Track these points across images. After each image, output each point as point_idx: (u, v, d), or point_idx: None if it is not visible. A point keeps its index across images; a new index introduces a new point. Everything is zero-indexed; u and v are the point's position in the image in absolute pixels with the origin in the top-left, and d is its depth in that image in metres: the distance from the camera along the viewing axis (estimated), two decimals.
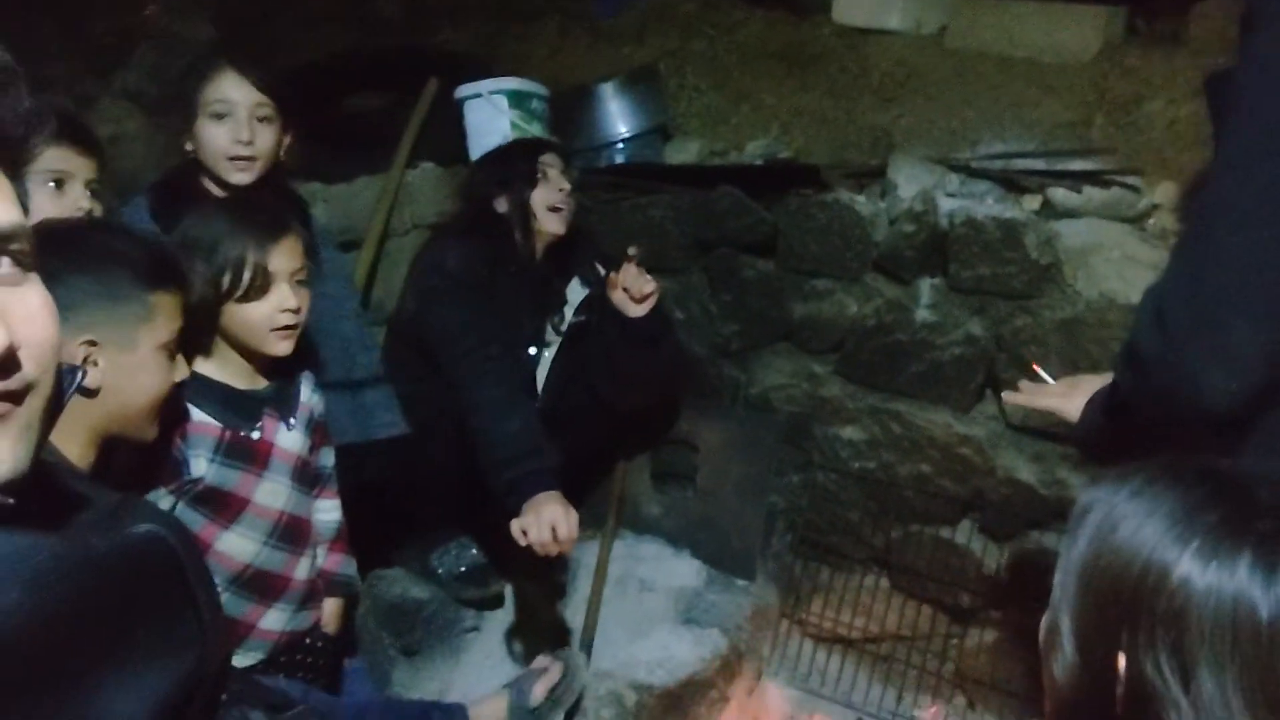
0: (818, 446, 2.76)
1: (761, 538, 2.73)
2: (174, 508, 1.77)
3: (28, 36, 3.81)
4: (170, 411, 1.72)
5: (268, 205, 1.93)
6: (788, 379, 2.82)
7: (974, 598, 2.58)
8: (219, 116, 2.03)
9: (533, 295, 2.59)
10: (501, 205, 2.58)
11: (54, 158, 1.84)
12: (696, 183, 2.90)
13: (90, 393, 1.42)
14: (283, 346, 1.81)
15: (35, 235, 0.85)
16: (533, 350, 2.62)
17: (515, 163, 2.60)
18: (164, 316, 1.50)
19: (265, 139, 2.07)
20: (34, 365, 0.81)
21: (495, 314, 2.46)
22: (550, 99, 3.34)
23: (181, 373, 1.56)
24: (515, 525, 2.02)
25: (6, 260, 0.81)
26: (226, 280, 1.75)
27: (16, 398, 0.80)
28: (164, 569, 0.98)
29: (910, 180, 2.70)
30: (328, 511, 2.04)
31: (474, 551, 2.58)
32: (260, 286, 1.77)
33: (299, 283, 1.82)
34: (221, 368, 1.83)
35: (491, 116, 3.19)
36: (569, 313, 2.67)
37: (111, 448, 1.51)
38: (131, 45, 3.95)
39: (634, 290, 2.40)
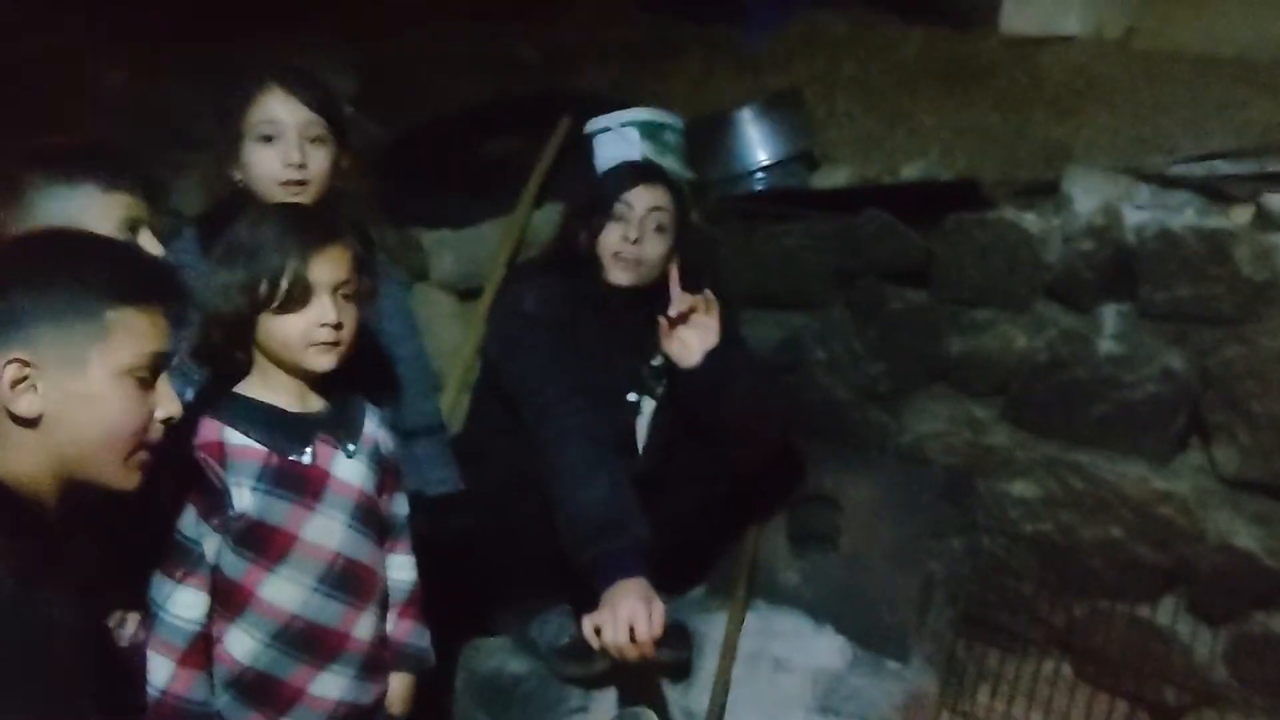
0: (983, 505, 2.38)
1: (916, 612, 2.35)
2: (219, 550, 1.56)
3: (183, 96, 3.88)
4: (184, 450, 1.53)
5: (317, 212, 1.73)
6: (945, 426, 2.46)
7: (1181, 693, 2.15)
8: (267, 139, 1.86)
9: (628, 334, 2.31)
10: (583, 240, 2.31)
11: (125, 205, 1.74)
12: (839, 207, 2.59)
13: (28, 421, 1.22)
14: (322, 361, 1.60)
15: None
16: (632, 396, 2.33)
17: (601, 195, 2.33)
18: (126, 337, 1.27)
19: (318, 161, 1.89)
20: None
21: (581, 359, 2.20)
22: (686, 130, 3.13)
23: (167, 409, 1.33)
24: (588, 623, 1.82)
25: None
26: (263, 289, 1.55)
27: None
28: None
29: (1089, 193, 2.31)
30: (400, 569, 1.79)
31: (579, 622, 2.28)
32: (299, 297, 1.56)
33: (344, 297, 1.61)
34: (266, 387, 1.63)
35: (623, 151, 3.00)
36: None
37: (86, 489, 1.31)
38: None
39: (674, 306, 2.14)
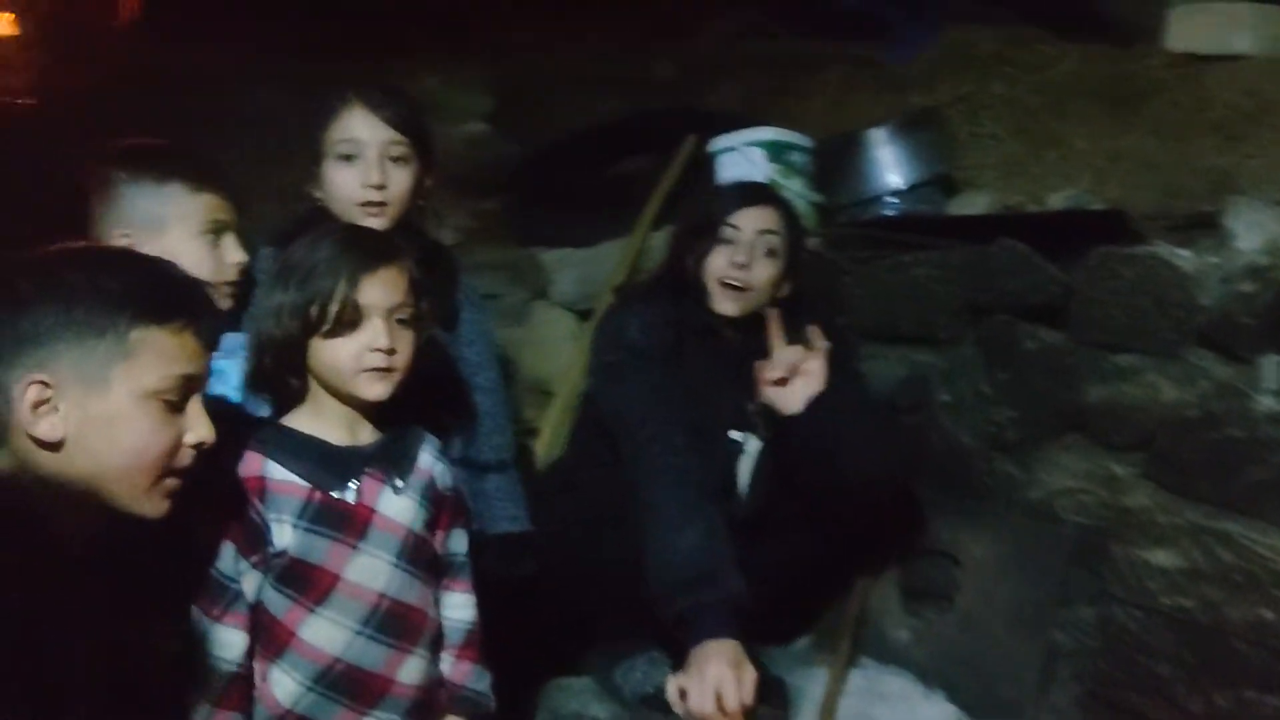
0: (1117, 572, 2.12)
1: (1037, 685, 2.13)
2: (260, 586, 1.51)
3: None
4: (224, 481, 1.47)
5: (374, 234, 1.66)
6: (1079, 482, 2.22)
7: None
8: (347, 158, 1.81)
9: (735, 367, 2.16)
10: (690, 266, 2.19)
11: (212, 207, 1.71)
12: (973, 236, 2.40)
13: (50, 445, 1.17)
14: (374, 389, 1.52)
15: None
16: (735, 435, 2.19)
17: (708, 217, 2.20)
18: (152, 357, 1.21)
19: (399, 182, 1.83)
20: None
21: (683, 393, 2.08)
22: (815, 151, 2.99)
23: (197, 434, 1.27)
24: (672, 684, 1.72)
25: None
26: (314, 312, 1.49)
27: None
28: None
29: (1253, 229, 2.07)
30: (458, 609, 1.69)
31: (667, 669, 2.15)
32: (349, 320, 1.49)
33: (400, 321, 1.54)
34: (316, 418, 1.56)
35: (746, 172, 2.88)
36: None
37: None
38: None
39: (774, 365, 2.02)
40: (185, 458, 1.27)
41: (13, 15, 6.45)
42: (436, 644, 1.65)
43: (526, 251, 3.46)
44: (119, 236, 1.67)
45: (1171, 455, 2.07)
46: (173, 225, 1.68)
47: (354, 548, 1.52)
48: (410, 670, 1.57)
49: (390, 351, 1.51)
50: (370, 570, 1.53)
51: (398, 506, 1.57)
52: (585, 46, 4.14)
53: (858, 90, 3.47)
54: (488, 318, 2.09)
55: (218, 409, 1.66)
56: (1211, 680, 1.99)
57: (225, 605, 1.48)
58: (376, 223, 1.80)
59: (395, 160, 1.82)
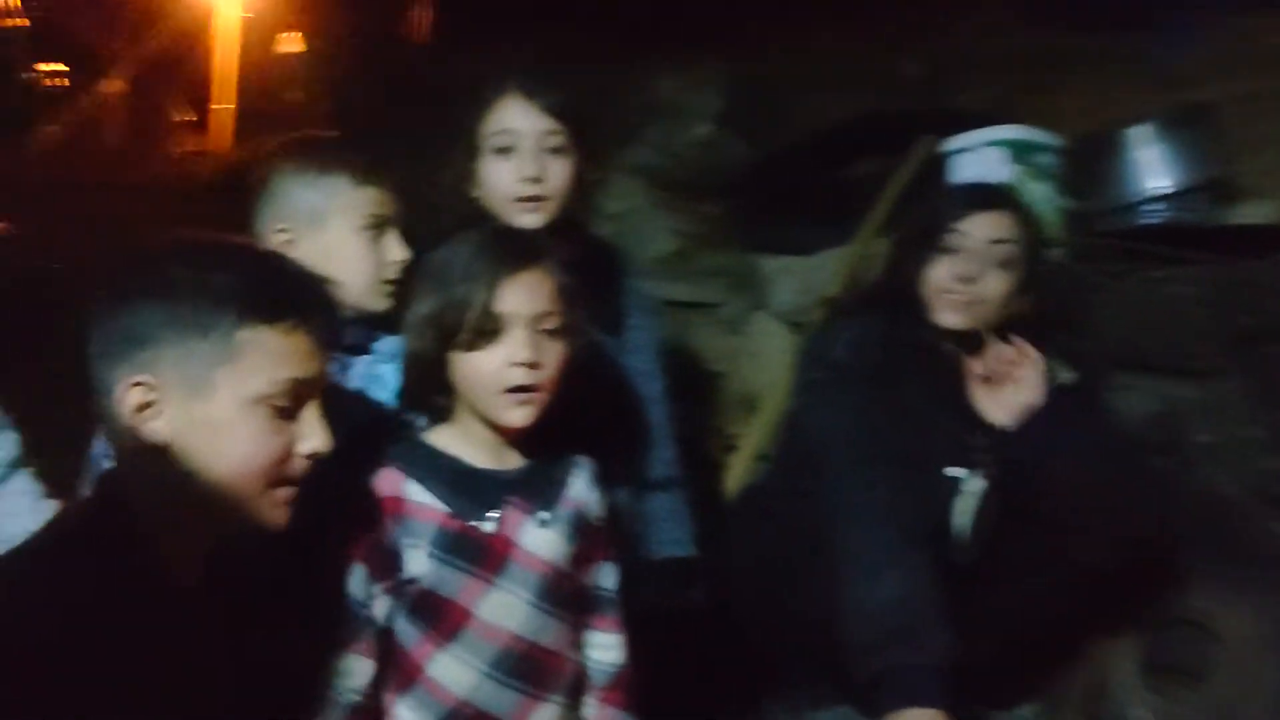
0: None
1: None
2: (390, 614, 1.39)
3: None
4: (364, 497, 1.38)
5: (517, 233, 1.54)
6: None
7: None
8: (503, 151, 1.70)
9: (956, 395, 1.92)
10: (910, 277, 1.96)
11: (374, 201, 1.65)
12: (1244, 250, 2.06)
13: (156, 449, 1.10)
14: (515, 415, 1.38)
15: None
16: (954, 472, 1.92)
17: (933, 222, 1.95)
18: (259, 359, 1.12)
19: (557, 174, 1.70)
20: None
21: (895, 421, 1.86)
22: (1066, 151, 2.68)
23: (311, 443, 1.17)
24: None
25: None
26: (449, 322, 1.37)
27: None
28: None
29: None
30: (605, 649, 1.52)
31: None
32: (488, 331, 1.36)
33: (546, 332, 1.39)
34: (461, 438, 1.43)
35: (983, 174, 2.61)
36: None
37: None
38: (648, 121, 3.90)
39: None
40: (298, 467, 1.18)
41: (300, 33, 6.94)
42: (577, 689, 1.50)
43: (748, 258, 3.32)
44: (277, 232, 1.62)
45: None
46: (333, 219, 1.62)
47: (490, 583, 1.39)
48: (543, 718, 1.43)
49: (533, 365, 1.37)
50: (505, 609, 1.39)
51: (541, 540, 1.42)
52: (827, 44, 3.94)
53: (1120, 87, 3.14)
54: (657, 323, 1.93)
55: (369, 416, 1.62)
56: None
57: (352, 632, 1.37)
58: (534, 219, 1.69)
59: (553, 151, 1.70)
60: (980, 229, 1.90)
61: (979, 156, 2.70)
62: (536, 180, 1.68)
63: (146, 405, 1.10)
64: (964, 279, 1.87)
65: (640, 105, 3.96)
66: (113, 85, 6.74)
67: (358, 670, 1.37)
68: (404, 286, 1.69)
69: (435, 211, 1.75)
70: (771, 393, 2.70)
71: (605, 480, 1.55)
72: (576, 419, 1.48)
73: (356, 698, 1.37)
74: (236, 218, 1.64)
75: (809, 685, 2.03)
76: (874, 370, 1.89)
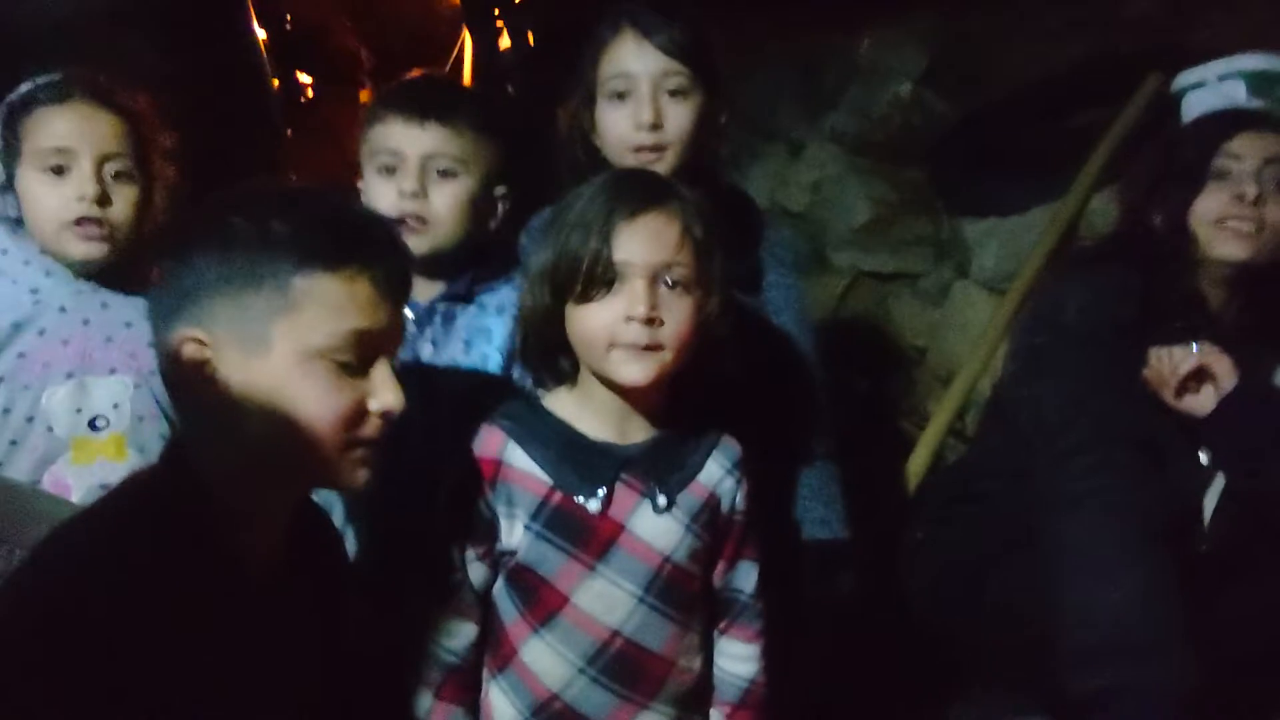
0: None
1: None
2: (487, 583, 1.29)
3: (764, 87, 3.77)
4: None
5: (643, 175, 1.38)
6: None
7: None
8: (619, 95, 1.55)
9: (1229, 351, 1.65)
10: (1156, 219, 1.72)
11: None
12: None
13: (217, 413, 1.04)
14: (630, 371, 1.22)
15: None
16: (1204, 456, 1.66)
17: (1191, 153, 1.72)
18: (318, 310, 1.03)
19: (678, 118, 1.54)
20: None
21: (1138, 393, 1.62)
22: None
23: (383, 400, 1.07)
24: None
25: None
26: (563, 271, 1.24)
27: None
28: None
29: None
30: (736, 661, 1.36)
31: None
32: (602, 280, 1.22)
33: (671, 284, 1.23)
34: (580, 404, 1.30)
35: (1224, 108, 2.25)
36: None
37: None
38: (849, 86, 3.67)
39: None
40: (372, 427, 1.08)
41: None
42: (693, 702, 1.34)
43: (952, 224, 3.04)
44: (376, 172, 1.57)
45: None
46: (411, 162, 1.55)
47: (590, 568, 1.25)
48: None
49: (652, 321, 1.22)
50: (606, 599, 1.25)
51: (656, 528, 1.27)
52: None
53: None
54: (799, 280, 1.73)
55: (472, 378, 1.52)
56: None
57: (451, 592, 1.28)
58: (655, 168, 1.53)
59: (673, 94, 1.54)
60: (1253, 148, 1.70)
61: (1212, 91, 2.34)
62: (655, 126, 1.53)
63: (202, 362, 1.03)
64: (1248, 201, 1.65)
65: (838, 68, 3.73)
66: (361, 94, 6.99)
67: (458, 631, 1.28)
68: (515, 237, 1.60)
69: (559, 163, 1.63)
70: (969, 363, 2.43)
71: (759, 464, 1.38)
72: (723, 391, 1.32)
73: (455, 659, 1.27)
74: None
75: (1003, 692, 1.79)
76: (1118, 332, 1.65)
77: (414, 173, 1.53)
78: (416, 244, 1.45)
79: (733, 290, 1.36)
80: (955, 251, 2.98)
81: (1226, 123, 1.77)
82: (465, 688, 1.29)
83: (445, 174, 1.55)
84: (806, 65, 3.90)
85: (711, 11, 1.56)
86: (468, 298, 1.58)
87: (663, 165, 1.54)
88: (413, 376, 1.29)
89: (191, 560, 1.03)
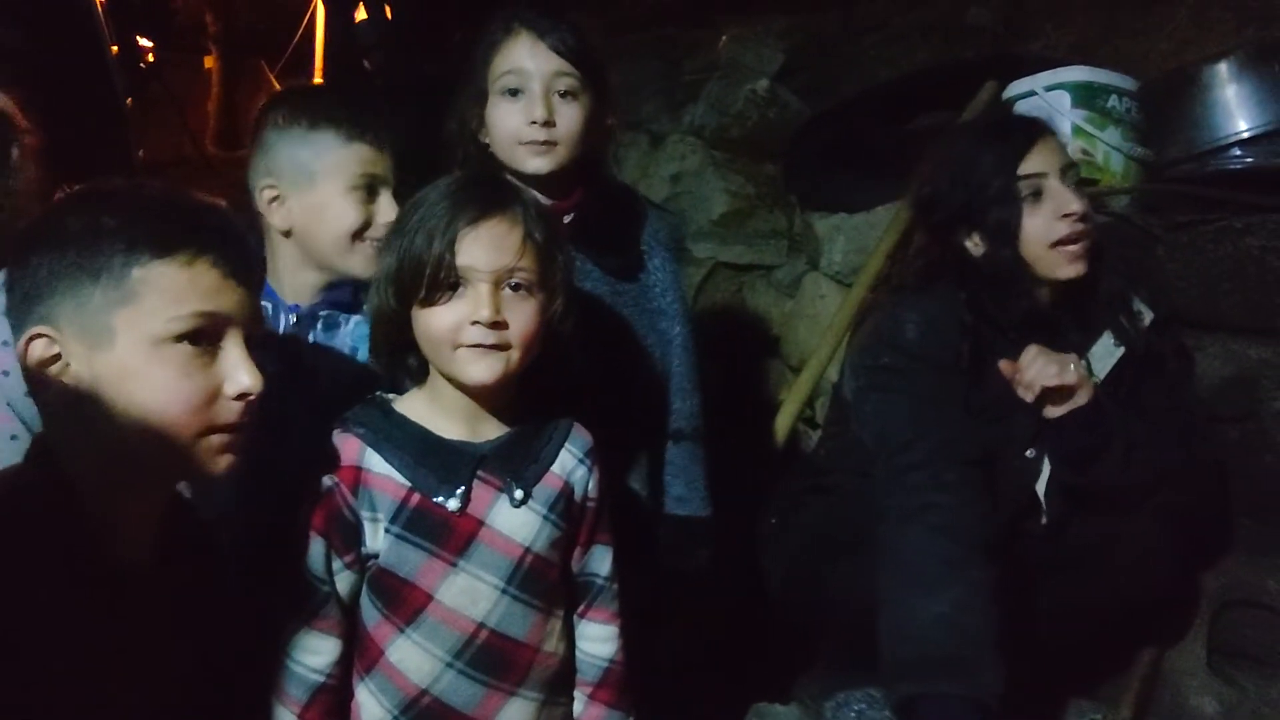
0: None
1: None
2: (354, 591, 1.30)
3: (624, 77, 3.80)
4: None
5: (488, 180, 1.39)
6: None
7: None
8: (511, 92, 1.60)
9: None
10: (975, 246, 1.78)
11: (365, 160, 1.56)
12: None
13: (67, 409, 1.05)
14: (475, 370, 1.25)
15: None
16: (1031, 453, 1.77)
17: (990, 177, 1.74)
18: (158, 297, 1.04)
19: (568, 118, 1.60)
20: None
21: (970, 410, 1.70)
22: (1137, 93, 2.46)
23: (238, 383, 1.08)
24: None
25: None
26: (407, 276, 1.26)
27: None
28: None
29: None
30: (596, 642, 1.41)
31: (886, 714, 1.79)
32: (445, 285, 1.25)
33: (514, 287, 1.27)
34: (432, 405, 1.32)
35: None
36: None
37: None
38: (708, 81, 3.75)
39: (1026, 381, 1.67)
40: (230, 411, 1.09)
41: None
42: (558, 684, 1.38)
43: (803, 219, 3.16)
44: (265, 189, 1.55)
45: None
46: (321, 178, 1.54)
47: (452, 565, 1.28)
48: (512, 713, 1.31)
49: (495, 325, 1.25)
50: (469, 594, 1.28)
51: (515, 521, 1.31)
52: None
53: (1213, 25, 2.82)
54: (675, 266, 1.79)
55: (352, 377, 1.52)
56: None
57: (315, 608, 1.28)
58: (543, 163, 1.60)
59: (564, 95, 1.60)
60: (1051, 163, 1.72)
61: (1040, 102, 2.49)
62: (546, 123, 1.57)
63: (51, 359, 1.03)
64: (1075, 218, 1.69)
65: (698, 64, 3.81)
66: (206, 61, 6.74)
67: (323, 648, 1.28)
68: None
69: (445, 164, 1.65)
70: (818, 352, 2.53)
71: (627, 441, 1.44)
72: (572, 387, 1.36)
73: (320, 678, 1.28)
74: None
75: (843, 665, 1.90)
76: (950, 357, 1.72)
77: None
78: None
79: (576, 289, 1.39)
80: (807, 245, 3.09)
81: (1018, 138, 1.76)
82: (332, 707, 1.30)
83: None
84: (668, 58, 3.98)
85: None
86: (353, 308, 1.58)
87: (552, 160, 1.60)
88: (297, 381, 1.30)
89: (56, 559, 1.03)
